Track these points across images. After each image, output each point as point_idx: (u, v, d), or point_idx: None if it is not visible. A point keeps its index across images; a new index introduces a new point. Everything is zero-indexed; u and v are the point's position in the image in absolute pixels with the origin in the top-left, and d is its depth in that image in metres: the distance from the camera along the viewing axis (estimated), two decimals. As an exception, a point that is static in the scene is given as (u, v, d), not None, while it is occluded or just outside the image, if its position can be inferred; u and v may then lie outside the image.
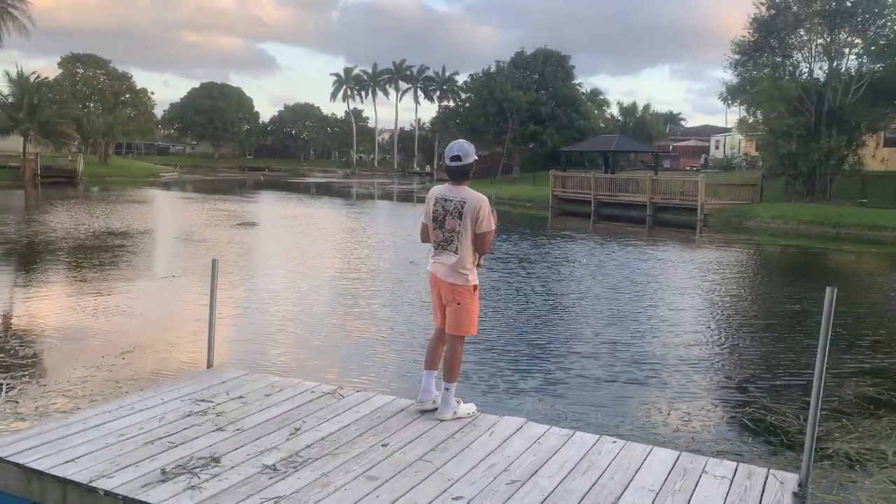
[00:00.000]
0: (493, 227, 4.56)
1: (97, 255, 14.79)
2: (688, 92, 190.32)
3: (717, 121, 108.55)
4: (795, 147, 27.41)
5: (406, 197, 45.88)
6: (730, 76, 31.08)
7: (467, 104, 54.17)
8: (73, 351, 7.59)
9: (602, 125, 52.34)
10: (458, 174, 4.57)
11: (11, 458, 3.73)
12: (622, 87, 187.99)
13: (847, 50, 28.54)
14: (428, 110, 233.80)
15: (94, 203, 30.06)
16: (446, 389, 4.53)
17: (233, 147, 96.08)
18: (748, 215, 27.52)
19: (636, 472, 3.82)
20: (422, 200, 43.36)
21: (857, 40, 28.84)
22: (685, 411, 6.12)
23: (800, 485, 3.73)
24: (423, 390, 4.65)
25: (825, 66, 28.76)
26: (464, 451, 4.03)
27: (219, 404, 4.67)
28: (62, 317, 9.22)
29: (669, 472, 3.81)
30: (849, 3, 27.81)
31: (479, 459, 3.93)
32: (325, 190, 48.72)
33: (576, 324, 9.68)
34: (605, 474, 3.78)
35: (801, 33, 28.59)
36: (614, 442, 4.21)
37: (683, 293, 12.28)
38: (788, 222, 25.91)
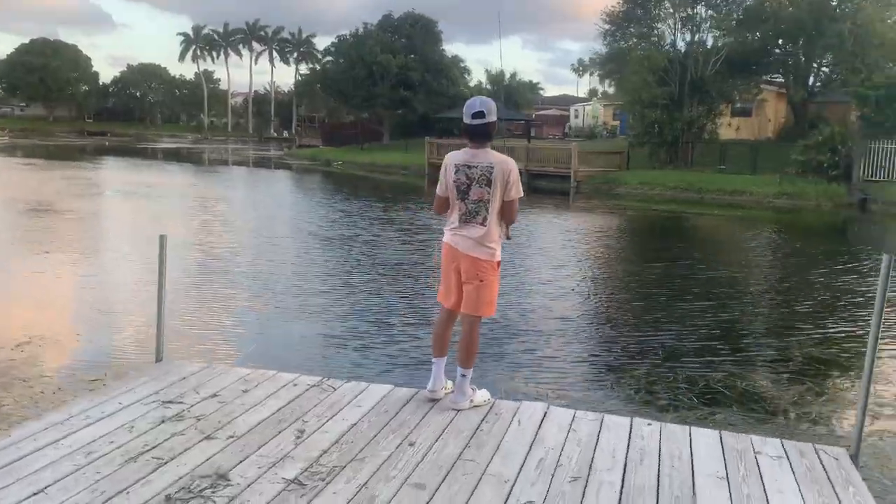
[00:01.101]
0: (522, 193, 4.13)
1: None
2: (539, 62, 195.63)
3: (568, 90, 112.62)
4: (660, 116, 28.68)
5: (263, 163, 43.98)
6: (599, 46, 32.01)
7: (328, 66, 52.45)
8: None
9: (467, 93, 52.48)
10: (482, 134, 4.06)
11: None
12: (476, 56, 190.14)
13: (707, 24, 30.10)
14: (284, 73, 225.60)
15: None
16: (462, 376, 4.08)
17: (69, 109, 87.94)
18: (617, 182, 28.58)
19: (691, 457, 3.57)
20: (285, 167, 41.32)
21: (712, 13, 30.52)
22: (637, 379, 6.03)
23: (852, 457, 3.65)
24: (433, 378, 4.18)
25: (688, 38, 30.24)
26: (502, 446, 3.62)
27: (193, 405, 3.97)
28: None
29: (724, 455, 3.60)
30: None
31: (524, 455, 3.53)
32: (178, 156, 45.69)
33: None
34: (662, 462, 3.50)
35: (667, 5, 29.79)
36: (649, 424, 3.95)
37: (564, 258, 12.45)
38: (655, 188, 27.14)
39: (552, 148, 32.43)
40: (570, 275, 10.87)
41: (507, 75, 54.94)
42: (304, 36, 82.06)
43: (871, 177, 24.89)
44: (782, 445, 3.75)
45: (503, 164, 4.04)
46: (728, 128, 32.61)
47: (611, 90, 57.25)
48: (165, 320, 4.64)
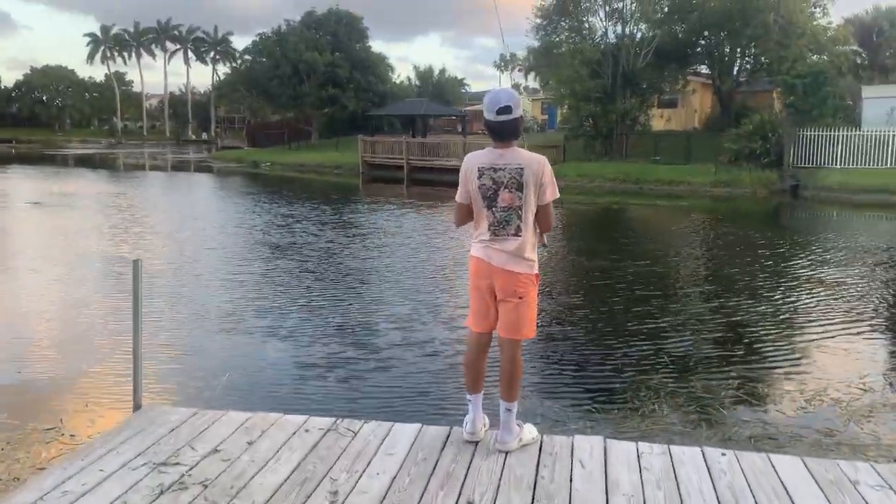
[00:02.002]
0: (558, 194, 3.62)
1: None
2: (456, 59, 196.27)
3: (491, 86, 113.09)
4: (595, 109, 28.77)
5: (186, 167, 42.24)
6: (531, 40, 31.89)
7: (253, 65, 50.75)
8: None
9: (397, 89, 51.79)
10: (510, 131, 3.52)
11: None
12: (396, 53, 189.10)
13: (635, 16, 30.32)
14: (201, 74, 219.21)
15: None
16: (507, 411, 3.54)
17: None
18: (556, 175, 28.29)
19: (787, 493, 3.14)
20: (210, 170, 39.70)
21: (636, 5, 30.79)
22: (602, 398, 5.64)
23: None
24: (472, 418, 3.62)
25: (618, 31, 30.42)
26: (575, 496, 3.10)
27: (193, 467, 3.30)
28: None
29: (821, 488, 3.18)
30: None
31: (605, 506, 3.03)
32: (91, 162, 43.28)
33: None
34: (759, 502, 3.06)
35: (597, -2, 29.93)
36: (724, 454, 3.51)
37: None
38: (594, 180, 27.21)
39: (489, 142, 32.05)
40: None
41: (436, 71, 54.55)
42: (220, 35, 79.52)
43: (801, 163, 25.57)
44: (875, 471, 3.36)
45: (535, 163, 3.52)
46: (659, 119, 33.09)
47: (535, 85, 57.72)
48: (140, 359, 3.93)
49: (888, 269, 10.76)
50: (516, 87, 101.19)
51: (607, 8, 30.47)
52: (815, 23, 30.26)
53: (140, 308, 3.92)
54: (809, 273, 10.41)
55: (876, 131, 25.71)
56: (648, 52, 29.66)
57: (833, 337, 7.10)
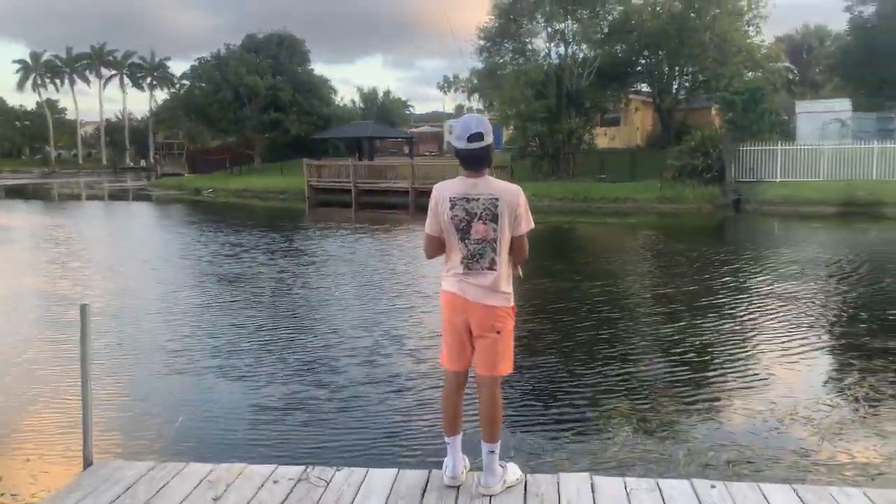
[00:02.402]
0: (533, 224, 3.49)
1: None
2: (399, 81, 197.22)
3: (433, 107, 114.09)
4: (541, 129, 29.05)
5: (124, 196, 41.10)
6: (475, 62, 32.11)
7: (193, 90, 49.82)
8: None
9: (341, 112, 51.47)
10: (481, 159, 3.39)
11: None
12: (339, 76, 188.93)
13: (577, 37, 30.83)
14: (138, 100, 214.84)
15: None
16: (490, 453, 3.37)
17: None
18: (505, 195, 28.62)
19: (784, 526, 3.05)
20: (150, 199, 38.53)
21: (577, 27, 31.37)
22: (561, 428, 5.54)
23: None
24: (452, 461, 3.44)
25: (561, 52, 30.87)
26: (568, 541, 2.94)
27: (156, 532, 3.03)
28: None
29: (818, 519, 3.10)
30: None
31: (600, 550, 2.87)
32: (23, 193, 41.69)
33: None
34: (759, 539, 2.95)
35: (539, 19, 30.28)
36: (713, 486, 3.40)
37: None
38: (543, 199, 27.35)
39: (438, 164, 32.12)
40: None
41: (380, 93, 54.47)
42: (157, 60, 77.95)
43: (742, 178, 26.22)
44: (868, 497, 3.29)
45: (509, 193, 3.39)
46: (604, 137, 33.60)
47: (479, 105, 58.21)
48: (90, 409, 3.64)
49: (839, 281, 10.99)
50: (460, 108, 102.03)
51: (549, 29, 30.92)
52: (749, 41, 31.26)
53: (88, 355, 3.66)
54: (766, 288, 10.54)
55: (811, 145, 26.60)
56: (591, 73, 30.16)
57: (795, 352, 7.14)
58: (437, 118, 66.71)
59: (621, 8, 31.89)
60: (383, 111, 52.70)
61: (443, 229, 3.45)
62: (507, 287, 3.42)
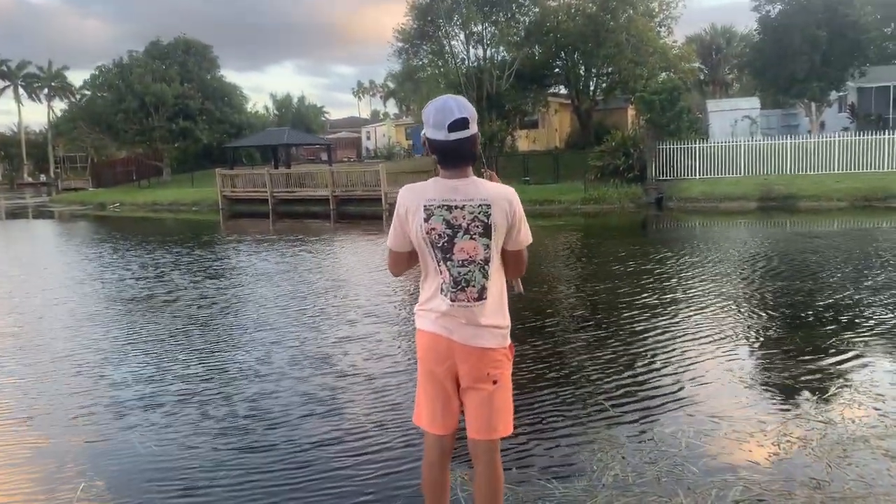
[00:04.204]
0: (531, 238, 2.79)
1: None
2: (313, 87, 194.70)
3: (349, 113, 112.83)
4: (463, 132, 28.55)
5: (23, 214, 38.38)
6: (394, 64, 31.41)
7: (94, 100, 47.10)
8: None
9: (254, 119, 49.75)
10: (467, 153, 2.66)
11: None
12: (250, 83, 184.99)
13: (495, 39, 30.58)
14: (35, 112, 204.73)
15: None
16: (492, 539, 2.65)
17: None
18: (430, 200, 28.09)
19: None
20: (52, 216, 36.25)
21: (494, 30, 31.16)
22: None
23: None
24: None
25: (480, 54, 30.55)
26: None
27: None
28: None
29: None
30: (494, -6, 29.82)
31: None
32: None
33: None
34: None
35: (458, 20, 29.87)
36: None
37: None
38: (469, 204, 26.97)
39: (358, 171, 31.22)
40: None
41: (295, 99, 52.93)
42: (55, 69, 73.74)
43: (663, 176, 26.47)
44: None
45: (503, 197, 2.66)
46: (525, 140, 33.48)
47: (396, 110, 57.61)
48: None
49: (776, 277, 10.78)
50: (376, 114, 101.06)
51: (467, 31, 30.54)
52: (662, 41, 31.77)
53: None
54: (698, 285, 10.20)
55: (725, 142, 27.12)
56: (510, 75, 29.96)
57: (766, 360, 6.72)
58: (354, 123, 65.59)
59: (537, 10, 31.87)
60: (299, 118, 51.27)
61: (415, 247, 2.71)
62: (504, 319, 2.71)
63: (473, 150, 2.65)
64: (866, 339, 7.25)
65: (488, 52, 30.37)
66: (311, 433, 5.26)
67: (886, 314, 8.14)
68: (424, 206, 2.64)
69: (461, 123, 2.58)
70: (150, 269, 14.32)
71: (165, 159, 45.76)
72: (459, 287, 2.62)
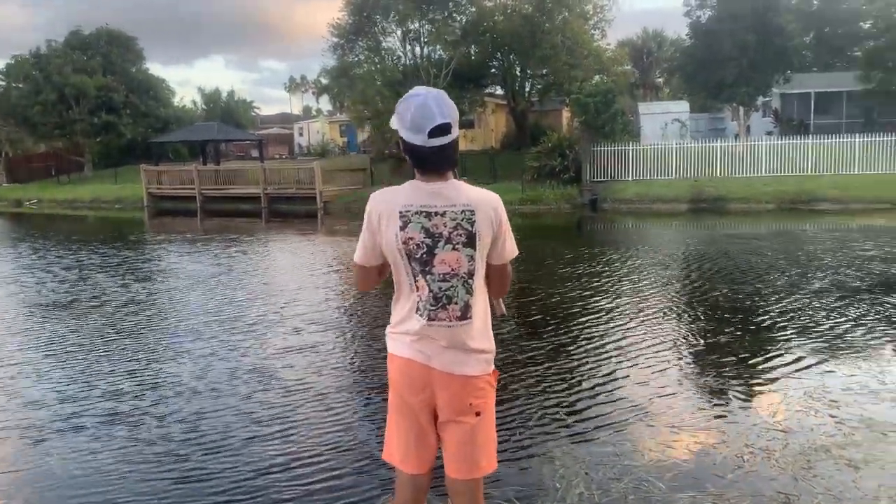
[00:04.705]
0: (517, 250, 2.55)
1: None
2: (243, 82, 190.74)
3: (277, 109, 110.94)
4: (400, 130, 28.23)
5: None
6: (329, 59, 30.76)
7: (9, 91, 44.61)
8: None
9: (182, 113, 48.08)
10: (448, 159, 2.41)
11: None
12: (177, 77, 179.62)
13: (432, 37, 30.32)
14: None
15: None
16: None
17: None
18: (366, 199, 27.26)
19: None
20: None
21: (431, 28, 30.92)
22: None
23: None
24: None
25: (418, 52, 30.22)
26: None
27: None
28: None
29: None
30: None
31: None
32: None
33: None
34: None
35: (394, 16, 29.46)
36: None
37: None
38: (405, 203, 26.68)
39: (292, 168, 30.47)
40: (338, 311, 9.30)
41: (224, 94, 51.42)
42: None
43: (598, 178, 26.73)
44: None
45: (488, 203, 2.44)
46: (462, 139, 33.33)
47: (330, 107, 56.62)
48: None
49: (721, 281, 10.86)
50: (308, 110, 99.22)
51: (403, 28, 30.19)
52: (595, 44, 32.13)
53: None
54: (657, 293, 10.20)
55: (657, 145, 27.61)
56: (448, 74, 29.75)
57: (719, 367, 6.67)
58: (285, 120, 64.25)
59: (474, 9, 31.77)
60: (228, 113, 49.81)
61: (389, 260, 2.42)
62: (489, 342, 2.44)
63: (454, 155, 2.40)
64: (813, 344, 7.29)
65: (425, 51, 30.11)
66: (256, 459, 4.81)
67: (830, 318, 8.24)
68: (400, 212, 2.37)
69: (443, 129, 2.32)
70: (73, 272, 13.50)
71: (87, 154, 43.74)
72: (440, 304, 2.34)
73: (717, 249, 14.20)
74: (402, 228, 2.35)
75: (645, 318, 8.57)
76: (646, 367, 6.69)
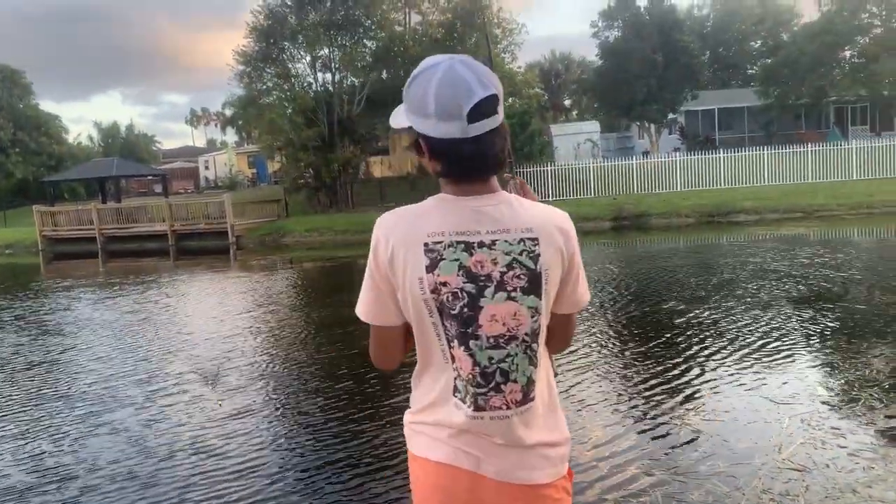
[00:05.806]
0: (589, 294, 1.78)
1: None
2: (142, 116, 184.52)
3: (179, 143, 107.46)
4: (314, 158, 27.36)
5: None
6: (235, 88, 29.58)
7: None
8: None
9: (76, 150, 45.39)
10: (496, 156, 1.59)
11: None
12: (71, 114, 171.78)
13: (343, 64, 29.63)
14: None
15: None
16: None
17: None
18: (282, 231, 26.53)
19: None
20: None
21: (341, 54, 30.26)
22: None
23: None
24: None
25: (329, 78, 29.44)
26: None
27: None
28: None
29: None
30: (338, 17, 28.81)
31: None
32: None
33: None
34: None
35: (302, 42, 28.62)
36: None
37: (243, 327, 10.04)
38: (325, 234, 25.68)
39: (200, 202, 28.95)
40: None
41: (123, 128, 48.93)
42: None
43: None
44: None
45: (555, 225, 1.62)
46: (380, 166, 32.67)
47: (236, 138, 54.93)
48: None
49: (659, 299, 10.54)
50: (212, 142, 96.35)
51: (313, 54, 29.37)
52: (507, 67, 32.22)
53: None
54: (595, 313, 9.75)
55: (576, 164, 27.77)
56: (361, 100, 29.08)
57: (690, 398, 6.18)
58: (189, 153, 61.82)
59: (383, 35, 31.31)
60: (128, 148, 47.43)
61: (408, 317, 1.63)
62: (560, 429, 1.70)
63: (503, 149, 1.62)
64: (791, 363, 6.92)
65: (337, 77, 29.34)
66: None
67: (787, 333, 7.94)
68: (426, 244, 1.55)
69: (487, 106, 1.52)
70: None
71: (-29, 196, 40.63)
72: (491, 385, 1.55)
73: (651, 265, 13.98)
74: (431, 269, 1.54)
75: (592, 336, 8.05)
76: (602, 412, 6.11)
